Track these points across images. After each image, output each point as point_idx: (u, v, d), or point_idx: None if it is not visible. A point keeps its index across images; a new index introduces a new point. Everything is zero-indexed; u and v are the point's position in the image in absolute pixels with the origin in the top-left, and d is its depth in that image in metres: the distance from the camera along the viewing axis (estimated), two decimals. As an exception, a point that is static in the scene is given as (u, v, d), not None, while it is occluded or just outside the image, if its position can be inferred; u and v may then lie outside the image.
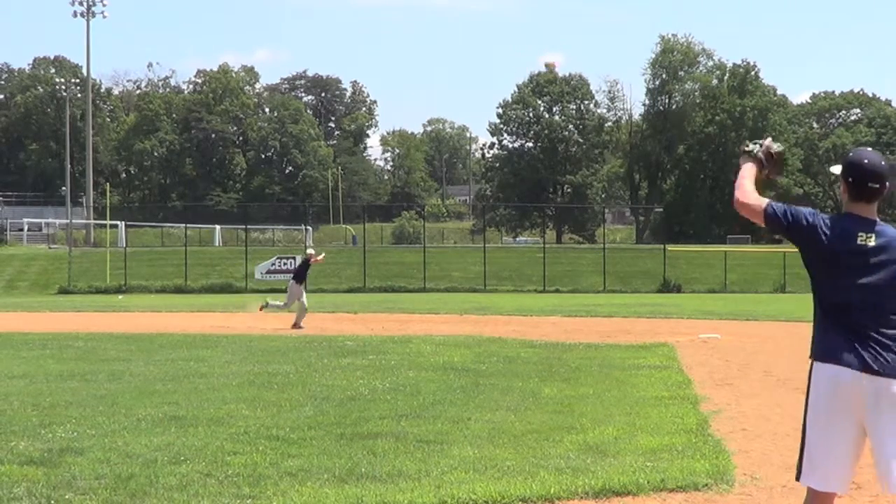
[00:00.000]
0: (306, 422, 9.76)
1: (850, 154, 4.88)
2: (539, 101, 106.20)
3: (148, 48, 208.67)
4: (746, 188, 4.98)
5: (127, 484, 7.16)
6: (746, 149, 5.15)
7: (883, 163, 4.76)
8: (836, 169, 4.86)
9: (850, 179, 4.74)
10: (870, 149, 4.99)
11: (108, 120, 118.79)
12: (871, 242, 4.66)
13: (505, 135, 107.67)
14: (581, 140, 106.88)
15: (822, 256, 4.73)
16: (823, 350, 4.68)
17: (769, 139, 5.20)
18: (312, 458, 8.02)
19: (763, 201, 4.91)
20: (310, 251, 27.09)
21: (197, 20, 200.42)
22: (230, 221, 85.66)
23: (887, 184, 4.75)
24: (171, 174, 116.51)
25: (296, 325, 23.59)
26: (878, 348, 4.58)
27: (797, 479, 4.87)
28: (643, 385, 12.69)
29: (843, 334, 4.63)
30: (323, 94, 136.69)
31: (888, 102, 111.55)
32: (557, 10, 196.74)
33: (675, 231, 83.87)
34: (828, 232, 4.70)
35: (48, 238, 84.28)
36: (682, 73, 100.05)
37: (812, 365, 4.75)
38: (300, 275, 25.10)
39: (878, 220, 4.75)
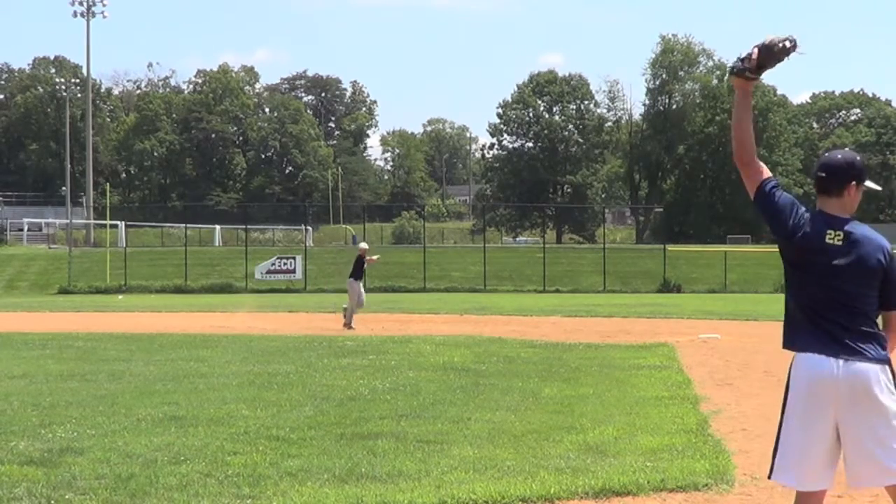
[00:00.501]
0: (306, 422, 9.76)
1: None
2: (539, 101, 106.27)
3: (148, 48, 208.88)
4: (749, 146, 4.80)
5: (127, 484, 7.16)
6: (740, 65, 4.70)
7: (840, 156, 4.70)
8: None
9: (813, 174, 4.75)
10: (846, 149, 4.95)
11: (108, 120, 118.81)
12: (839, 241, 4.60)
13: (505, 135, 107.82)
14: (581, 140, 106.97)
15: (793, 255, 4.70)
16: (802, 342, 4.64)
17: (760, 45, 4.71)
18: (312, 458, 8.02)
19: (764, 174, 4.79)
20: (363, 245, 26.29)
21: (197, 20, 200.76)
22: (230, 221, 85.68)
23: (851, 180, 4.65)
24: (171, 174, 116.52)
25: (347, 325, 23.45)
26: (851, 344, 4.55)
27: (770, 476, 4.74)
28: (643, 385, 12.68)
29: (818, 331, 4.60)
30: (323, 94, 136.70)
31: (888, 102, 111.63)
32: (557, 10, 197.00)
33: (675, 231, 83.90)
34: (800, 232, 4.66)
35: (48, 238, 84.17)
36: (682, 73, 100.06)
37: (793, 358, 4.71)
38: (356, 272, 24.65)
39: (849, 217, 4.67)
